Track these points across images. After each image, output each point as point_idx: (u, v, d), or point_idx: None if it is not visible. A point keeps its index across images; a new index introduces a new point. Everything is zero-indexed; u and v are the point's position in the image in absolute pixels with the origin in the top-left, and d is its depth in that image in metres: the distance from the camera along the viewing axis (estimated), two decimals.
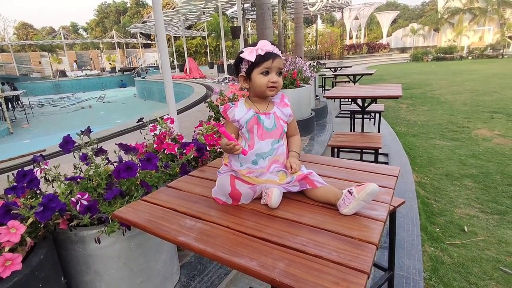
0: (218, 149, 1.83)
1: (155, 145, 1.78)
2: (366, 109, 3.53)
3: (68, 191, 1.24)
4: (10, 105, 14.09)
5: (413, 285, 1.78)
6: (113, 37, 31.72)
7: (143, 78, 19.73)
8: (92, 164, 1.31)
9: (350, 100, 6.11)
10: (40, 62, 32.63)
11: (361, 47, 30.31)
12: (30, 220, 1.02)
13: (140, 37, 31.20)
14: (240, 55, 1.04)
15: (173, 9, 16.69)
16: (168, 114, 3.13)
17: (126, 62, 32.86)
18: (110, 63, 33.39)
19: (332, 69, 8.69)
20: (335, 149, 2.83)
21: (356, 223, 0.84)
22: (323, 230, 0.82)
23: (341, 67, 9.34)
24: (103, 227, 1.24)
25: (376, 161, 2.87)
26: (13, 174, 1.37)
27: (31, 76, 29.50)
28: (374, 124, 5.18)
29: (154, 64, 32.13)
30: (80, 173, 1.44)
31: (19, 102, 15.18)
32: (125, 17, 50.11)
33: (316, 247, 0.75)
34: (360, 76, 6.35)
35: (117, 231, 1.24)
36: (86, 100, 18.52)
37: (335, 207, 0.91)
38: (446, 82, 11.57)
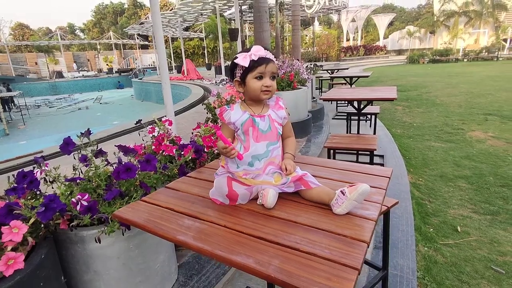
0: (216, 151, 1.86)
1: (153, 147, 1.80)
2: (362, 111, 3.57)
3: (68, 192, 1.27)
4: (5, 106, 14.02)
5: (407, 284, 1.82)
6: (110, 38, 31.66)
7: (141, 79, 19.71)
8: (92, 166, 1.33)
9: (346, 102, 6.17)
10: (36, 63, 32.48)
11: (358, 49, 30.51)
12: (31, 220, 1.05)
13: (137, 38, 31.16)
14: (235, 61, 1.07)
15: (170, 10, 16.71)
16: (166, 116, 3.17)
17: (124, 63, 32.80)
18: (107, 64, 33.32)
19: (329, 71, 8.74)
20: (331, 151, 2.87)
21: (349, 222, 0.88)
22: (317, 229, 0.85)
23: (338, 69, 9.40)
24: (103, 227, 1.27)
25: (371, 162, 2.91)
26: (13, 175, 1.39)
27: (27, 77, 29.36)
28: (370, 126, 5.23)
29: (151, 65, 32.10)
30: (79, 174, 1.47)
31: (13, 103, 15.12)
32: (122, 18, 50.03)
33: (310, 245, 0.78)
34: (356, 78, 6.40)
35: (117, 231, 1.27)
36: (83, 101, 18.46)
37: (328, 207, 0.95)
38: (441, 84, 11.67)
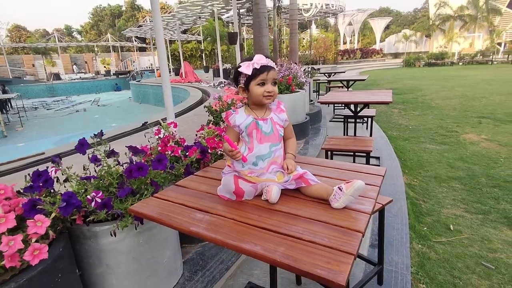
0: (219, 152, 1.95)
1: (159, 148, 1.89)
2: (359, 114, 3.68)
3: (83, 190, 1.35)
4: (2, 108, 14.01)
5: (401, 278, 1.91)
6: (108, 40, 31.70)
7: (138, 81, 19.76)
8: (104, 165, 1.41)
9: (343, 105, 6.28)
10: (33, 65, 32.40)
11: (355, 52, 30.77)
12: (53, 215, 1.13)
13: (135, 41, 31.24)
14: (238, 69, 1.16)
15: (169, 13, 16.80)
16: (161, 119, 3.25)
17: (121, 65, 32.81)
18: (104, 67, 33.33)
19: (326, 75, 8.87)
20: (329, 152, 2.97)
21: (346, 215, 0.97)
22: (317, 221, 0.94)
23: (335, 73, 9.54)
24: (115, 223, 1.35)
25: (367, 163, 3.01)
26: (28, 174, 1.47)
27: (24, 78, 29.29)
28: (367, 128, 5.34)
29: (149, 67, 32.14)
30: (90, 174, 1.55)
31: (11, 105, 15.11)
32: (120, 20, 50.05)
33: (311, 234, 0.87)
34: (353, 81, 6.52)
35: (128, 226, 1.35)
36: (80, 103, 18.46)
37: (327, 202, 1.04)
38: (437, 87, 11.85)
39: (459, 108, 7.69)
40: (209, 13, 15.53)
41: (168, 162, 1.41)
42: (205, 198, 1.15)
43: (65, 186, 1.52)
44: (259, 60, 1.12)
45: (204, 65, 26.91)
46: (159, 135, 1.93)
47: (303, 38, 33.67)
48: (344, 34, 36.46)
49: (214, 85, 12.27)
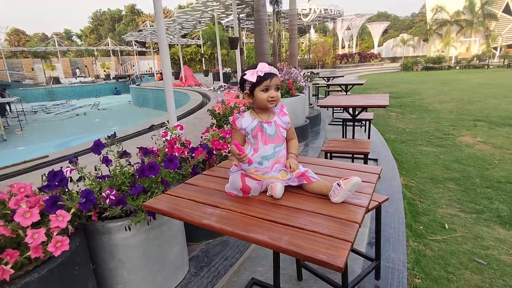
0: (223, 153, 2.04)
1: (166, 149, 1.97)
2: (357, 117, 3.78)
3: (98, 188, 1.43)
4: (2, 112, 14.07)
5: (398, 274, 2.00)
6: (108, 45, 31.87)
7: (138, 85, 19.88)
8: (117, 165, 1.50)
9: (342, 108, 6.39)
10: (33, 69, 32.52)
11: (353, 56, 31.03)
12: (72, 210, 1.21)
13: (135, 45, 31.41)
14: (244, 77, 1.25)
15: (169, 18, 16.96)
16: (167, 121, 3.33)
17: (121, 69, 32.96)
18: (104, 70, 33.48)
19: (325, 79, 9.00)
20: (328, 154, 3.06)
21: (344, 209, 1.06)
22: (318, 214, 1.03)
23: (334, 77, 9.67)
24: (128, 219, 1.44)
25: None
26: (44, 174, 1.55)
27: (23, 82, 29.38)
28: (365, 131, 5.44)
29: (148, 71, 32.33)
30: (101, 174, 1.63)
31: (10, 108, 15.18)
32: (120, 24, 50.32)
33: (313, 225, 0.95)
34: (351, 86, 6.64)
35: (141, 222, 1.43)
36: (80, 107, 18.55)
37: (327, 197, 1.12)
38: (434, 91, 12.00)
39: (455, 111, 7.82)
40: (209, 18, 15.69)
41: (178, 162, 1.50)
42: (213, 195, 1.24)
43: (78, 186, 1.61)
44: (263, 68, 1.22)
45: (204, 69, 27.08)
46: (166, 137, 2.02)
47: (302, 43, 33.95)
48: (343, 39, 36.80)
49: (214, 89, 12.39)
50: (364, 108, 3.95)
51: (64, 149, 5.32)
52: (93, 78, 30.88)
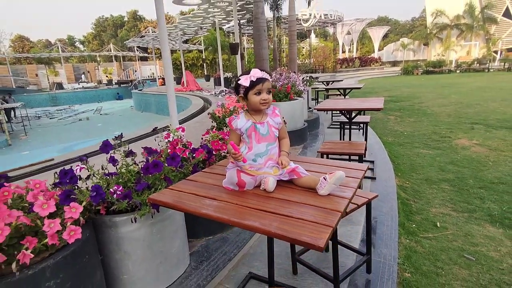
0: (222, 153, 2.16)
1: (169, 150, 2.09)
2: (354, 120, 3.90)
3: (106, 184, 1.55)
4: (8, 117, 14.28)
5: (388, 268, 2.10)
6: (110, 50, 32.25)
7: (140, 90, 20.09)
8: (124, 163, 1.62)
9: (339, 111, 6.51)
10: (36, 75, 32.92)
11: (354, 60, 31.23)
12: (83, 203, 1.33)
13: (137, 50, 31.77)
14: (238, 82, 1.38)
15: (171, 24, 17.22)
16: (170, 125, 3.46)
17: (123, 74, 33.30)
18: (106, 76, 33.81)
19: (324, 83, 9.13)
20: (324, 156, 3.17)
21: (329, 200, 1.17)
22: (306, 204, 1.14)
23: (333, 81, 9.81)
24: (134, 213, 1.55)
25: None
26: (56, 173, 1.68)
27: (27, 88, 29.74)
28: (363, 134, 5.55)
29: (150, 76, 32.62)
30: (107, 172, 1.75)
31: (15, 114, 15.41)
32: (122, 30, 50.89)
33: (300, 214, 1.07)
34: (349, 90, 6.76)
35: (145, 215, 1.55)
36: (83, 112, 18.76)
37: (315, 190, 1.24)
38: (433, 95, 12.11)
39: (453, 114, 7.91)
40: (210, 24, 15.93)
41: (180, 160, 1.62)
42: (212, 189, 1.35)
43: (86, 184, 1.73)
44: (255, 74, 1.35)
45: (205, 74, 27.33)
46: (169, 139, 2.14)
47: (303, 47, 34.22)
48: (343, 43, 37.05)
49: (215, 93, 12.55)
50: (360, 111, 4.08)
51: (68, 153, 5.48)
52: (96, 84, 31.21)
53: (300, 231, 0.96)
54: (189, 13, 14.79)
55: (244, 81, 1.34)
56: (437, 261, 2.25)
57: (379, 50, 36.52)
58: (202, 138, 2.37)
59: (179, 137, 2.17)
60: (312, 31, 31.21)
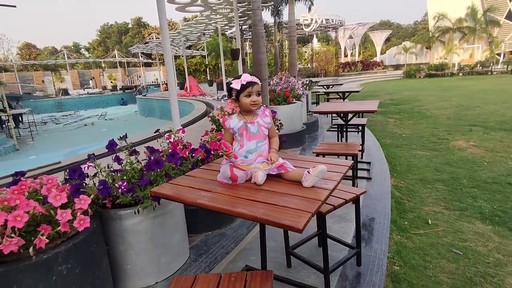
0: (220, 153, 2.29)
1: (170, 150, 2.24)
2: (351, 123, 4.02)
3: (111, 180, 1.69)
4: (17, 123, 14.57)
5: (378, 261, 2.20)
6: (115, 57, 32.74)
7: (144, 95, 20.38)
8: (128, 161, 1.76)
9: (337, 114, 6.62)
10: (43, 81, 33.46)
11: (356, 64, 31.37)
12: (91, 196, 1.47)
13: (141, 56, 32.22)
14: (230, 85, 1.52)
15: (175, 30, 17.52)
16: (172, 129, 3.60)
17: (128, 80, 33.74)
18: (111, 82, 34.28)
19: (324, 87, 9.27)
20: (320, 156, 3.29)
21: (312, 191, 1.29)
22: (291, 195, 1.27)
23: (333, 85, 9.94)
24: (135, 208, 1.69)
25: (356, 167, 3.33)
26: (66, 171, 1.82)
27: (34, 94, 30.26)
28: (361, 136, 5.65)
29: (154, 82, 33.02)
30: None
31: (22, 119, 15.71)
32: (126, 37, 51.60)
33: (284, 202, 1.19)
34: (348, 93, 6.89)
35: (148, 208, 1.69)
36: (88, 117, 19.05)
37: (300, 183, 1.37)
38: (434, 98, 12.18)
39: (453, 117, 7.99)
40: (213, 30, 16.19)
41: (179, 158, 1.75)
42: (208, 183, 1.48)
43: (93, 181, 1.87)
44: (245, 78, 1.49)
45: (208, 79, 27.60)
46: (170, 140, 2.28)
47: (305, 52, 34.45)
48: (345, 47, 37.25)
49: (218, 98, 12.75)
50: (356, 113, 4.20)
51: (74, 156, 5.66)
52: (101, 89, 31.65)
53: (283, 216, 1.09)
54: (192, 20, 15.07)
55: (236, 84, 1.48)
56: (426, 255, 2.35)
57: (381, 53, 36.65)
58: (201, 139, 2.51)
59: (180, 138, 2.31)
60: (314, 35, 31.46)
